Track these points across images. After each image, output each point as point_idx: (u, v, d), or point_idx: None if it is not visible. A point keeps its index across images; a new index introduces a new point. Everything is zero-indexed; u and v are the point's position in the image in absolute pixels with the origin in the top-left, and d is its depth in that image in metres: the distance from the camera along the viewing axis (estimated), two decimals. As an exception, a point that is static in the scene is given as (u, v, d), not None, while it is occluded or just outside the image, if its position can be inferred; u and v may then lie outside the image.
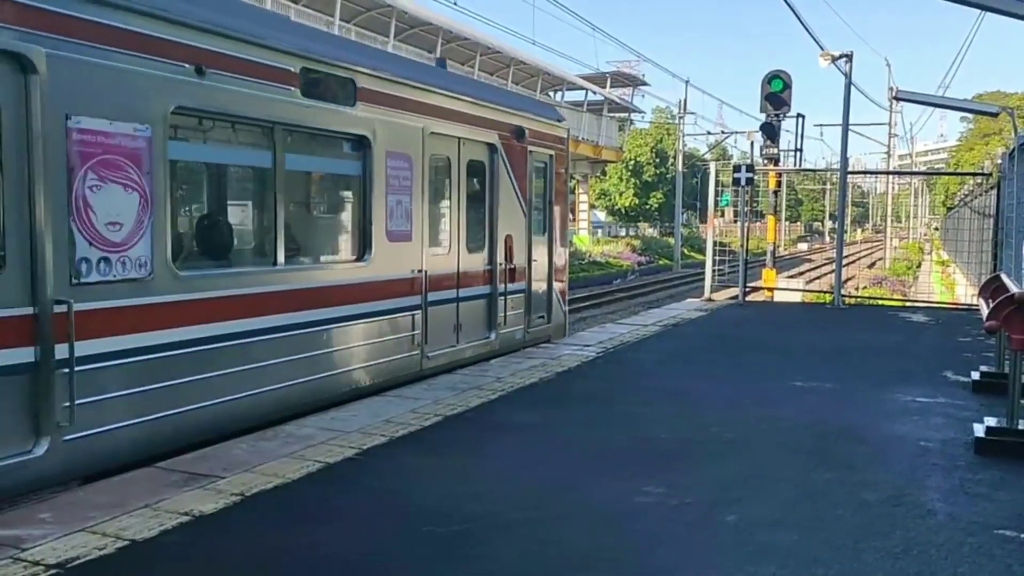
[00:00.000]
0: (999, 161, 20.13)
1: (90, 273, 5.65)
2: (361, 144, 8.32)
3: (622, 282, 36.28)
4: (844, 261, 19.48)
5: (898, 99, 22.13)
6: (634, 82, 51.15)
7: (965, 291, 22.18)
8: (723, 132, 63.21)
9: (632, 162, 58.28)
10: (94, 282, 5.68)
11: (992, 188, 18.84)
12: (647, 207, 60.93)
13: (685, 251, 51.27)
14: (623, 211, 60.98)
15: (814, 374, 9.45)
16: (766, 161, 19.41)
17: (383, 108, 8.48)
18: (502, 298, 10.75)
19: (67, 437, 5.49)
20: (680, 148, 51.89)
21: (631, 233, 62.42)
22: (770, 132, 18.54)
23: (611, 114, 48.69)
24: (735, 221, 25.87)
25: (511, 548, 4.51)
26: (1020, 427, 6.41)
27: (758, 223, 26.90)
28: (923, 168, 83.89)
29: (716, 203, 20.28)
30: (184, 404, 6.35)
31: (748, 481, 5.65)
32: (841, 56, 17.69)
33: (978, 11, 18.91)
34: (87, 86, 5.59)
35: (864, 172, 46.14)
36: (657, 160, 59.47)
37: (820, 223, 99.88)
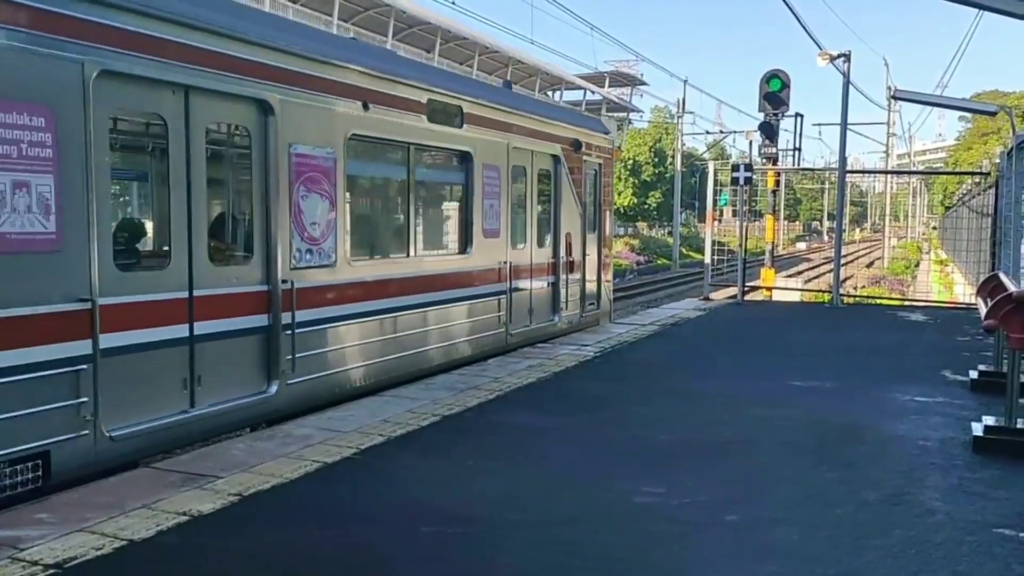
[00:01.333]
0: (997, 160, 20.15)
1: (301, 260, 7.61)
2: (465, 158, 10.31)
3: (620, 281, 36.25)
4: (842, 260, 19.48)
5: (896, 98, 22.14)
6: (632, 81, 51.25)
7: (963, 290, 22.19)
8: (722, 131, 63.31)
9: (630, 161, 58.26)
10: (304, 266, 7.64)
11: (990, 187, 18.85)
12: (646, 207, 60.88)
13: (683, 250, 51.25)
14: (621, 210, 60.97)
15: (813, 373, 9.45)
16: (765, 160, 19.41)
17: (481, 128, 10.51)
18: (564, 286, 12.73)
19: (289, 381, 7.41)
20: (679, 147, 51.90)
21: (629, 232, 62.39)
22: (768, 131, 18.55)
23: (609, 113, 48.75)
24: (734, 219, 25.87)
25: (512, 548, 4.50)
26: (1018, 426, 6.41)
27: (757, 222, 26.84)
28: (921, 167, 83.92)
29: (715, 202, 20.29)
30: (362, 360, 8.48)
31: (748, 480, 5.64)
32: (839, 55, 17.69)
33: (976, 10, 18.91)
34: (302, 122, 7.57)
35: (863, 171, 46.05)
36: (656, 159, 59.41)
37: (819, 222, 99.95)
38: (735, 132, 59.70)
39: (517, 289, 11.38)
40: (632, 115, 57.52)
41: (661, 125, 61.90)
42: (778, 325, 14.34)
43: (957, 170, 51.51)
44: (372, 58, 8.90)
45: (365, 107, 8.32)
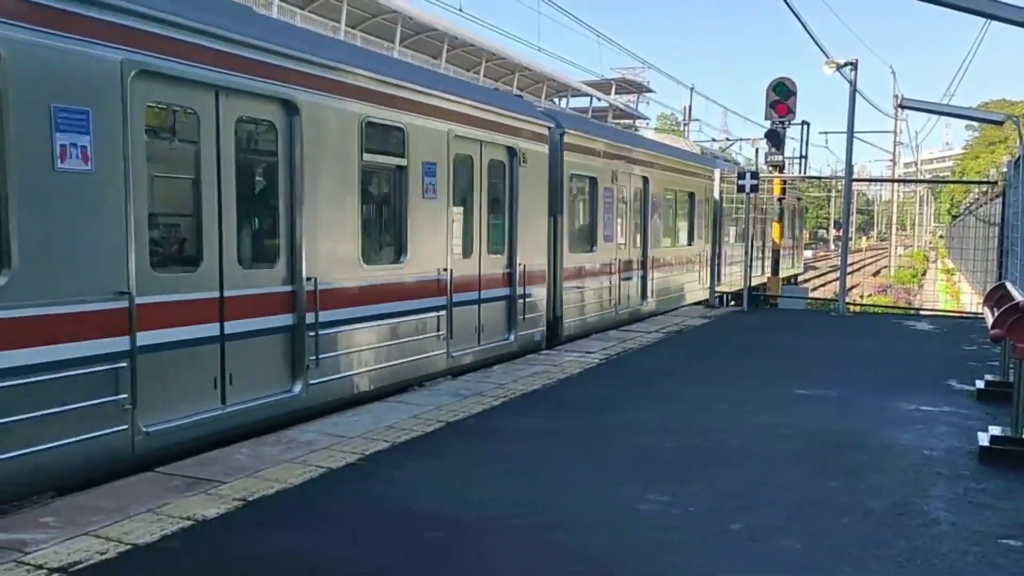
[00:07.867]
0: (1004, 169, 20.11)
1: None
2: (693, 197, 18.69)
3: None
4: (849, 269, 19.44)
5: (903, 107, 22.04)
6: (639, 89, 51.17)
7: (970, 299, 22.14)
8: (728, 139, 63.15)
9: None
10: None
11: (997, 196, 18.81)
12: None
13: (689, 258, 51.00)
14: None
15: (818, 382, 9.43)
16: (771, 168, 19.40)
17: (696, 179, 18.64)
18: (719, 266, 20.23)
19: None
20: (685, 155, 51.70)
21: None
22: (775, 139, 18.54)
23: (616, 120, 48.70)
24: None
25: (514, 554, 4.50)
26: (1025, 436, 6.39)
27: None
28: (928, 176, 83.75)
29: (722, 210, 20.27)
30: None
31: (752, 488, 5.63)
32: (846, 64, 17.67)
33: (983, 20, 18.89)
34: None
35: (869, 180, 46.11)
36: (662, 167, 59.15)
37: (825, 231, 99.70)
38: (741, 140, 59.74)
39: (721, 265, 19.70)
40: (639, 122, 57.38)
41: (668, 132, 61.84)
42: (783, 333, 14.31)
43: (964, 179, 51.39)
44: (701, 160, 19.64)
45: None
